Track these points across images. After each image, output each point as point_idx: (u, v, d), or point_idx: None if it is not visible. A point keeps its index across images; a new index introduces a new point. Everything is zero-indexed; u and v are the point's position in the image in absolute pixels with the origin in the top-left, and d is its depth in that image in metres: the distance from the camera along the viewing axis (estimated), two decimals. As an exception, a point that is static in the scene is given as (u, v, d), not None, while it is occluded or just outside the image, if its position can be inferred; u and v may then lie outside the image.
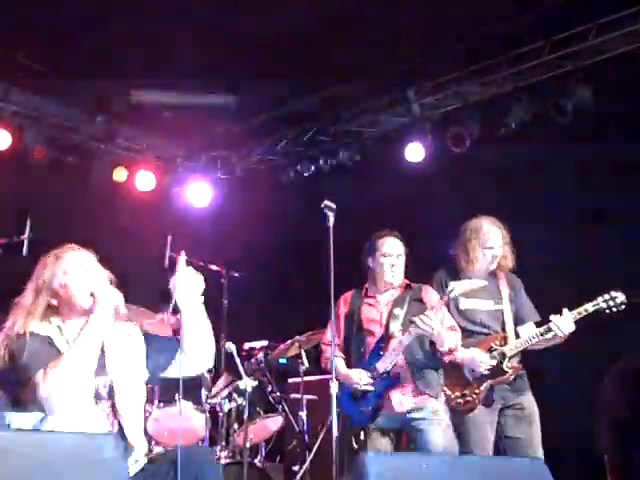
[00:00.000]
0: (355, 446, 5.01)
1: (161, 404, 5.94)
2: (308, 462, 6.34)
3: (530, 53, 7.36)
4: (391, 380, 4.94)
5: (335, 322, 5.09)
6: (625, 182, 6.72)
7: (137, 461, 3.39)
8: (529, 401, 5.17)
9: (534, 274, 5.74)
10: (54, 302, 3.45)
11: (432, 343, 5.00)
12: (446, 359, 5.05)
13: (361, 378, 4.97)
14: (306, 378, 6.83)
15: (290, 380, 7.52)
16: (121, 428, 3.37)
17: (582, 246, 6.83)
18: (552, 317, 5.01)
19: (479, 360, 5.06)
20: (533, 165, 7.32)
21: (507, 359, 5.09)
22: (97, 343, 3.30)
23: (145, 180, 9.27)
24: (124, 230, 8.42)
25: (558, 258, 6.85)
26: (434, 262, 5.53)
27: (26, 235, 5.68)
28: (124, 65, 7.65)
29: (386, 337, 5.04)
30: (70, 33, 7.23)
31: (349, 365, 5.13)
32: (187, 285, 3.43)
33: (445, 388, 5.11)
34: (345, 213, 4.89)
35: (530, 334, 5.13)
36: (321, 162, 8.95)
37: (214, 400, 6.18)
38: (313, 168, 9.05)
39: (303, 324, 6.72)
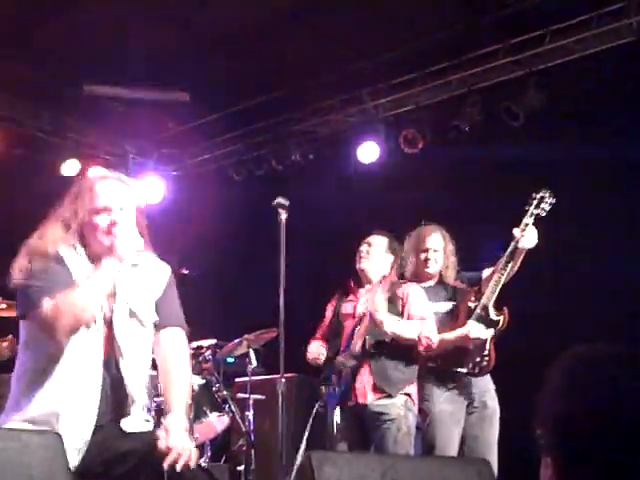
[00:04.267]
0: (327, 444, 5.01)
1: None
2: (253, 462, 6.29)
3: (485, 56, 7.39)
4: (353, 379, 4.95)
5: (321, 323, 5.39)
6: (576, 183, 6.77)
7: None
8: (492, 399, 5.18)
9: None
10: (81, 231, 3.36)
11: (409, 348, 5.00)
12: (422, 351, 5.02)
13: (318, 351, 5.11)
14: (253, 377, 6.79)
15: (237, 379, 7.47)
16: (118, 370, 3.29)
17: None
18: (514, 230, 5.01)
19: (475, 335, 5.02)
20: (485, 167, 7.35)
21: (490, 309, 5.06)
22: (106, 286, 3.22)
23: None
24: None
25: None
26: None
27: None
28: (76, 57, 7.55)
29: (354, 329, 5.05)
30: (23, 24, 7.11)
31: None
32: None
33: (457, 369, 5.09)
34: (298, 212, 4.86)
35: (499, 262, 5.08)
36: (274, 162, 8.91)
37: (160, 398, 6.10)
38: (266, 167, 9.01)
39: (252, 323, 6.67)
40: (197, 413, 5.93)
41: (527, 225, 5.00)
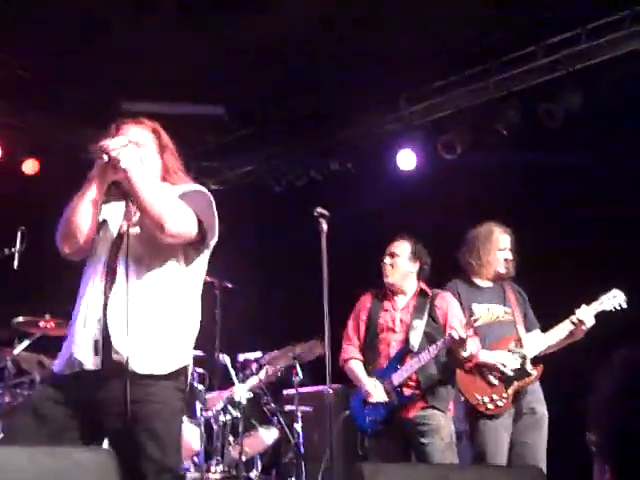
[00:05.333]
0: (360, 452, 5.00)
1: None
2: (304, 475, 6.29)
3: (522, 58, 7.33)
4: (404, 398, 4.92)
5: (354, 322, 5.28)
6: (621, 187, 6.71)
7: None
8: (541, 405, 5.16)
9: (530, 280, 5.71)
10: None
11: (449, 352, 4.96)
12: (467, 365, 5.03)
13: (375, 390, 4.95)
14: (300, 390, 6.78)
15: (285, 392, 7.47)
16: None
17: (578, 250, 6.81)
18: (577, 313, 5.07)
19: (504, 362, 5.06)
20: (525, 171, 7.30)
21: (528, 360, 5.08)
22: (95, 188, 3.30)
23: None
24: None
25: (554, 263, 6.82)
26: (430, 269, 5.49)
27: (17, 248, 5.62)
28: (113, 74, 7.65)
29: (405, 350, 5.00)
30: (59, 43, 7.22)
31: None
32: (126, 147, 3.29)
33: (475, 394, 5.08)
34: (338, 222, 4.86)
35: (554, 331, 5.16)
36: (313, 172, 8.93)
37: (208, 413, 6.12)
38: (305, 178, 9.03)
39: (298, 335, 6.67)
40: (246, 426, 5.94)
41: (595, 309, 5.09)
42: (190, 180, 3.58)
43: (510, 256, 5.41)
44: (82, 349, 3.17)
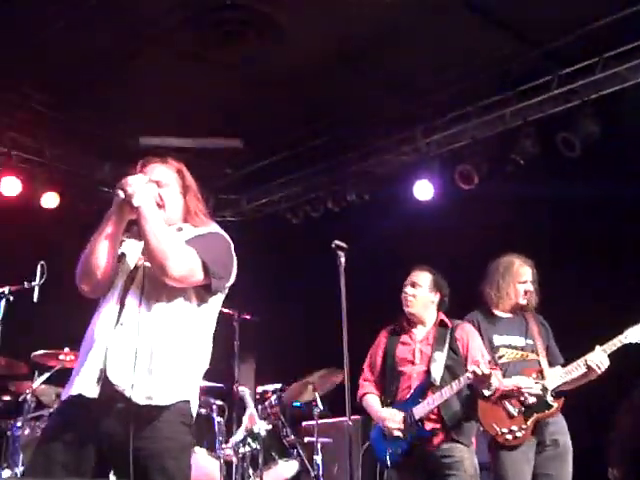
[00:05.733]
0: None
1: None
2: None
3: (538, 87, 7.35)
4: (424, 432, 4.85)
5: (371, 358, 5.26)
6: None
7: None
8: (565, 437, 5.10)
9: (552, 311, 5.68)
10: None
11: (470, 386, 4.92)
12: (490, 398, 4.98)
13: (394, 420, 4.90)
14: (320, 421, 6.75)
15: (304, 423, 7.44)
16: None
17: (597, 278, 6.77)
18: (587, 356, 5.01)
19: (524, 387, 5.01)
20: (542, 200, 7.28)
21: (549, 392, 5.04)
22: (111, 226, 3.34)
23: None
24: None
25: (567, 291, 6.78)
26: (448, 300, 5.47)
27: (37, 282, 5.65)
28: (130, 108, 7.73)
29: (426, 382, 4.95)
30: (77, 78, 7.30)
31: (383, 403, 5.07)
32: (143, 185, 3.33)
33: (493, 424, 5.04)
34: (356, 253, 4.85)
35: (571, 367, 5.10)
36: (330, 203, 8.95)
37: (228, 445, 6.10)
38: (322, 209, 9.06)
39: (316, 366, 6.65)
40: (266, 459, 5.91)
41: (615, 345, 5.03)
42: (211, 222, 3.58)
43: (531, 288, 5.38)
44: (86, 377, 3.17)
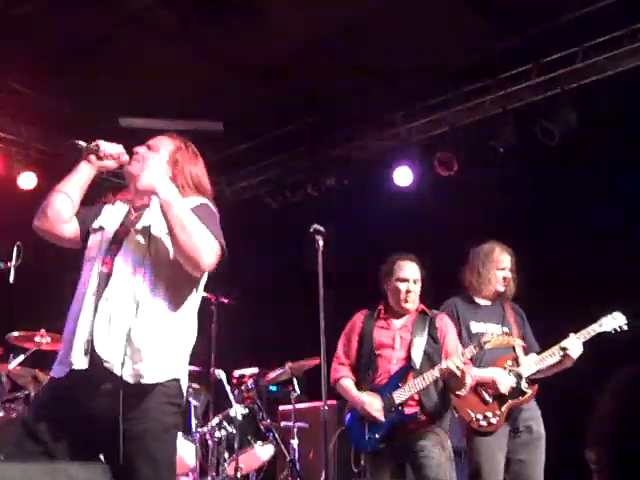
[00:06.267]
0: (354, 469, 4.95)
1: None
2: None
3: (518, 76, 7.37)
4: (404, 416, 4.82)
5: (345, 342, 5.13)
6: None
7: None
8: (538, 423, 5.14)
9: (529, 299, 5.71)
10: None
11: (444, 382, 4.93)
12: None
13: (374, 404, 4.88)
14: (297, 406, 6.76)
15: (281, 407, 7.45)
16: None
17: (575, 265, 6.81)
18: (562, 343, 5.04)
19: (499, 380, 5.04)
20: (521, 188, 7.32)
21: (523, 379, 5.08)
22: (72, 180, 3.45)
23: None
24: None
25: (545, 277, 6.82)
26: (427, 286, 5.47)
27: (13, 263, 5.61)
28: (111, 89, 7.68)
29: (406, 367, 4.93)
30: (58, 58, 7.24)
31: (358, 387, 5.02)
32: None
33: (468, 410, 5.06)
34: (334, 237, 4.86)
35: (546, 354, 5.13)
36: (309, 188, 8.94)
37: (204, 429, 6.10)
38: (301, 193, 9.05)
39: (293, 350, 6.66)
40: (241, 442, 5.92)
41: (589, 333, 5.07)
42: (196, 194, 3.48)
43: (509, 275, 5.40)
44: (73, 350, 3.13)
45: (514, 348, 5.22)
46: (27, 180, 8.52)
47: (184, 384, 3.28)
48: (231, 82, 7.67)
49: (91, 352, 3.09)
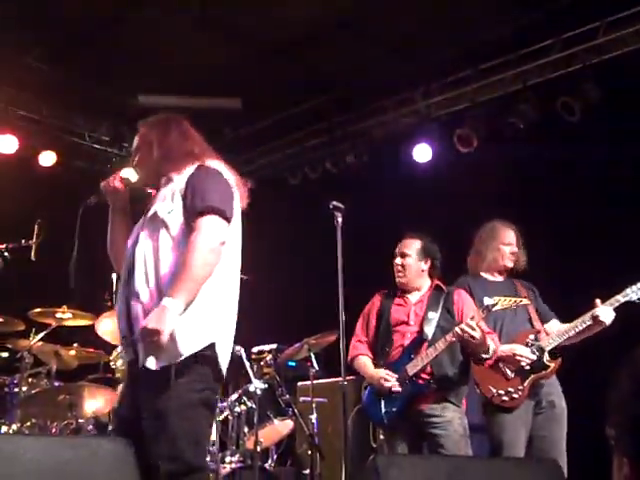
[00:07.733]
0: (373, 445, 4.98)
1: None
2: (318, 465, 6.29)
3: (539, 51, 7.31)
4: (418, 387, 4.86)
5: (364, 321, 5.23)
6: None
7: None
8: (560, 399, 5.13)
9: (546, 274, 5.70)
10: None
11: (463, 351, 4.95)
12: (488, 363, 4.99)
13: (387, 378, 4.90)
14: (316, 381, 6.78)
15: (300, 383, 7.48)
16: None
17: (596, 244, 6.78)
18: (593, 311, 4.95)
19: (520, 354, 5.02)
20: (541, 164, 7.27)
21: (546, 353, 5.06)
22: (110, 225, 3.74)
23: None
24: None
25: (568, 255, 6.80)
26: (445, 263, 5.47)
27: (34, 240, 5.66)
28: (129, 68, 7.69)
29: (419, 340, 4.96)
30: (77, 37, 7.26)
31: (375, 364, 5.08)
32: None
33: (490, 386, 5.05)
34: (354, 214, 4.85)
35: (572, 324, 5.07)
36: (328, 164, 8.93)
37: (224, 404, 6.14)
38: (320, 169, 9.04)
39: (312, 326, 6.67)
40: (261, 417, 5.95)
41: (617, 301, 4.96)
42: (192, 162, 3.59)
43: (516, 250, 5.39)
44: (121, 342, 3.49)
45: (531, 321, 5.21)
46: (47, 158, 8.57)
47: (222, 350, 3.36)
48: (247, 60, 7.66)
49: (131, 342, 3.32)
